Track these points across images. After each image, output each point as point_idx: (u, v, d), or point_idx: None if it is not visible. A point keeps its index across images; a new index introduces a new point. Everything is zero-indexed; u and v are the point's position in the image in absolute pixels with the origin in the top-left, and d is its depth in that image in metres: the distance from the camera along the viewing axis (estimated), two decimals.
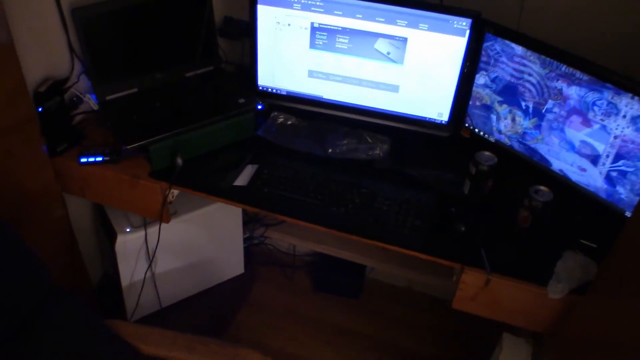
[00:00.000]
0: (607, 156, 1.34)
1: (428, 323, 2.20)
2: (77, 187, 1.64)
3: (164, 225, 1.76)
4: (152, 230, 1.74)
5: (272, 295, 2.26)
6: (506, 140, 1.55)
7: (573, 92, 1.34)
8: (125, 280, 1.81)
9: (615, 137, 1.31)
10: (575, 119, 1.37)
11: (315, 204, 1.45)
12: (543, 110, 1.42)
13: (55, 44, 1.59)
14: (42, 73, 1.56)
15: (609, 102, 1.29)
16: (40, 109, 1.53)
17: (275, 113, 1.73)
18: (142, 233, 1.73)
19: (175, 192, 1.59)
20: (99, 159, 1.57)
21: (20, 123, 1.42)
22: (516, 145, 1.53)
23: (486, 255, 1.35)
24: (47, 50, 1.56)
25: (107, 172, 1.57)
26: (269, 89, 1.72)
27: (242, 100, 1.65)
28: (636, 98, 1.24)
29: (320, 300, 2.26)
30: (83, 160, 1.57)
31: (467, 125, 1.62)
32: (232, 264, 2.10)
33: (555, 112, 1.40)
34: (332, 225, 1.43)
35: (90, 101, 1.67)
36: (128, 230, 1.74)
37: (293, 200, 1.47)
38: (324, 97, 1.68)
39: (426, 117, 1.63)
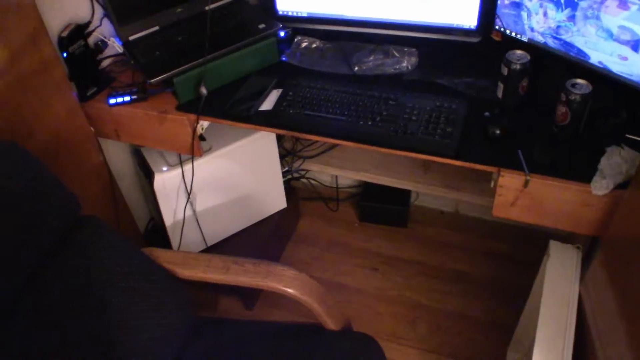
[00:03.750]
0: None
1: (477, 245, 2.16)
2: (111, 129, 1.67)
3: (201, 162, 1.77)
4: (189, 168, 1.75)
5: (317, 229, 2.27)
6: (539, 38, 1.46)
7: None
8: (168, 220, 1.84)
9: None
10: (611, 3, 1.27)
11: (342, 120, 1.42)
12: None
13: None
14: (64, 19, 1.57)
15: None
16: (65, 54, 1.55)
17: (299, 37, 1.69)
18: (179, 171, 1.74)
19: (205, 123, 1.59)
20: (127, 98, 1.59)
21: (45, 66, 1.44)
22: (550, 42, 1.44)
23: (524, 156, 1.29)
24: None
25: (137, 110, 1.58)
26: (289, 13, 1.68)
27: (262, 26, 1.62)
28: None
29: (367, 231, 2.25)
30: (112, 101, 1.59)
31: (497, 27, 1.54)
32: (274, 199, 2.09)
33: None
34: (360, 139, 1.39)
35: (115, 44, 1.68)
36: (165, 169, 1.76)
37: (319, 118, 1.43)
38: (345, 14, 1.63)
39: (453, 24, 1.55)
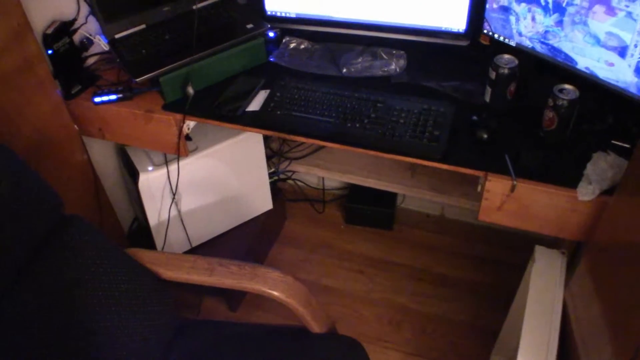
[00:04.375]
0: (636, 46, 1.24)
1: (462, 249, 2.17)
2: (95, 128, 1.65)
3: (187, 162, 1.76)
4: (175, 167, 1.73)
5: (303, 230, 2.26)
6: (527, 43, 1.46)
7: None
8: (152, 220, 1.82)
9: None
10: (599, 9, 1.27)
11: (330, 122, 1.41)
12: (564, 4, 1.33)
13: None
14: (49, 16, 1.55)
15: None
16: (50, 52, 1.53)
17: (288, 38, 1.68)
18: (164, 170, 1.73)
19: (191, 123, 1.58)
20: (113, 97, 1.57)
21: (29, 63, 1.43)
22: (538, 47, 1.44)
23: (511, 161, 1.29)
24: None
25: (122, 109, 1.57)
26: (278, 14, 1.67)
27: (250, 26, 1.60)
28: None
29: (353, 233, 2.25)
30: (97, 100, 1.57)
31: (485, 31, 1.54)
32: (260, 200, 2.08)
33: (576, 5, 1.31)
34: (347, 141, 1.39)
35: (100, 42, 1.66)
36: (150, 168, 1.74)
37: (307, 119, 1.42)
38: (334, 16, 1.62)
39: (442, 27, 1.55)
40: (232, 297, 2.00)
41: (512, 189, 1.27)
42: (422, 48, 1.60)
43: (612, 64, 1.31)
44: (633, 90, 1.29)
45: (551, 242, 1.53)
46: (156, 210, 1.81)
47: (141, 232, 2.03)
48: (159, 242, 1.88)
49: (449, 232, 2.23)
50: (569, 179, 1.25)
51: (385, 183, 2.00)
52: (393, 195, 2.23)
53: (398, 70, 1.56)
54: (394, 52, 1.59)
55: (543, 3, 1.37)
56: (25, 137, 1.45)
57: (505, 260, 2.10)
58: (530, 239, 1.64)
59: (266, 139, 2.07)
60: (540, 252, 1.47)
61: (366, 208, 2.22)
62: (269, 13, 1.68)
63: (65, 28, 1.57)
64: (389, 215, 2.22)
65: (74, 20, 1.62)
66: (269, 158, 2.12)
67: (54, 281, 1.12)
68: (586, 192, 1.22)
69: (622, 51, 1.28)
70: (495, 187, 1.30)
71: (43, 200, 1.17)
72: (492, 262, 2.11)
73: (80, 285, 1.17)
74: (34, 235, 1.13)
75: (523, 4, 1.41)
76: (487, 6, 1.49)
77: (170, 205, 1.81)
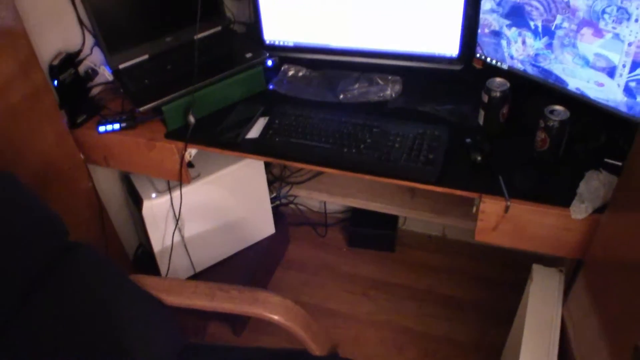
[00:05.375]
0: (624, 66, 1.27)
1: (464, 269, 2.18)
2: (100, 156, 1.68)
3: (190, 189, 1.79)
4: (178, 194, 1.76)
5: (306, 254, 2.28)
6: (519, 65, 1.49)
7: (581, 3, 1.28)
8: (156, 246, 1.85)
9: (630, 45, 1.24)
10: (587, 32, 1.31)
11: (327, 148, 1.44)
12: (553, 28, 1.36)
13: (65, 18, 1.62)
14: (55, 48, 1.60)
15: (619, 8, 1.22)
16: (55, 82, 1.57)
17: (286, 66, 1.72)
18: (167, 197, 1.76)
19: (193, 151, 1.61)
20: (117, 126, 1.61)
21: (36, 94, 1.47)
22: (530, 69, 1.47)
23: (504, 182, 1.32)
24: (57, 24, 1.60)
25: (126, 138, 1.60)
26: (276, 43, 1.71)
27: (249, 55, 1.65)
28: None
29: (355, 256, 2.27)
30: (101, 129, 1.61)
31: (478, 55, 1.58)
32: (262, 225, 2.11)
33: (565, 28, 1.34)
34: (344, 166, 1.41)
35: (105, 72, 1.71)
36: (154, 195, 1.77)
37: (304, 146, 1.46)
38: (331, 44, 1.66)
39: (436, 53, 1.59)
40: (236, 321, 2.02)
41: (506, 209, 1.29)
42: (417, 73, 1.63)
43: (602, 84, 1.34)
44: (623, 109, 1.32)
45: (552, 260, 1.54)
46: (160, 237, 1.84)
47: (146, 258, 2.05)
48: (163, 268, 1.90)
49: (451, 253, 2.24)
50: (563, 198, 1.26)
51: (386, 206, 2.03)
52: (394, 218, 2.25)
53: (394, 95, 1.60)
54: (390, 77, 1.63)
55: (533, 27, 1.40)
56: (31, 165, 1.49)
57: (507, 279, 2.11)
58: (532, 257, 1.66)
59: (267, 165, 2.10)
60: (537, 270, 1.49)
61: (368, 231, 2.24)
62: (267, 42, 1.72)
63: (70, 59, 1.62)
64: (390, 238, 2.24)
65: (80, 51, 1.67)
66: (270, 183, 2.15)
67: (58, 308, 1.14)
68: (579, 210, 1.24)
69: (610, 71, 1.31)
70: (490, 208, 1.32)
71: (48, 228, 1.20)
72: (495, 282, 2.12)
73: (85, 311, 1.19)
74: (39, 262, 1.16)
75: (513, 29, 1.45)
76: (479, 31, 1.53)
77: (174, 232, 1.84)
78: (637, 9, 1.19)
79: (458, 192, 1.35)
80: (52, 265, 1.18)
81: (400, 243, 2.29)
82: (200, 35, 1.76)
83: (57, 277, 1.18)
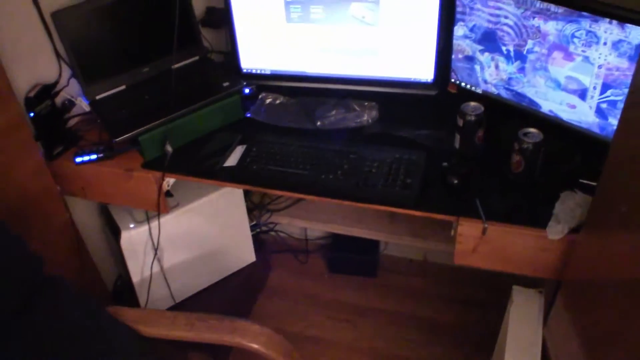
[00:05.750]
0: (595, 88, 1.30)
1: (447, 293, 2.18)
2: (77, 188, 1.67)
3: (169, 219, 1.78)
4: (156, 224, 1.75)
5: (288, 282, 2.27)
6: (493, 89, 1.52)
7: (551, 28, 1.31)
8: (135, 277, 1.83)
9: (600, 67, 1.27)
10: (557, 55, 1.34)
11: (305, 174, 1.44)
12: (524, 52, 1.39)
13: (41, 50, 1.62)
14: (32, 80, 1.60)
15: (588, 31, 1.25)
16: (32, 114, 1.56)
17: (264, 94, 1.73)
18: (146, 227, 1.75)
19: (171, 180, 1.61)
20: (94, 156, 1.60)
21: (11, 126, 1.45)
22: (503, 93, 1.50)
23: (481, 204, 1.33)
24: (34, 56, 1.60)
25: (103, 169, 1.59)
26: (253, 71, 1.73)
27: (226, 84, 1.66)
28: (614, 22, 1.20)
29: (337, 282, 2.26)
30: (78, 160, 1.60)
31: (453, 80, 1.60)
32: (243, 253, 2.10)
33: (536, 52, 1.37)
34: (322, 192, 1.42)
35: (82, 103, 1.71)
36: (132, 225, 1.76)
37: (282, 173, 1.46)
38: (308, 71, 1.68)
39: (410, 78, 1.61)
40: (219, 351, 1.97)
41: (484, 231, 1.30)
42: (394, 98, 1.65)
43: (574, 106, 1.37)
44: (596, 130, 1.35)
45: (534, 281, 1.54)
46: (139, 267, 1.82)
47: (125, 289, 2.03)
48: (142, 299, 1.88)
49: (433, 276, 2.24)
50: (539, 219, 1.28)
51: (366, 231, 2.03)
52: (375, 243, 2.25)
53: (370, 121, 1.61)
54: (366, 103, 1.64)
55: (505, 52, 1.43)
56: (7, 198, 1.47)
57: (490, 302, 2.11)
58: (513, 278, 1.66)
59: (247, 192, 2.10)
60: (517, 292, 1.49)
61: (349, 256, 2.24)
62: (244, 70, 1.74)
63: (47, 90, 1.61)
64: (372, 263, 2.24)
65: (56, 82, 1.66)
66: (250, 211, 2.15)
67: (34, 342, 1.12)
68: (555, 231, 1.25)
69: (582, 94, 1.33)
70: (468, 230, 1.32)
71: (23, 261, 1.18)
72: (478, 304, 2.12)
73: (62, 346, 1.17)
74: (14, 297, 1.14)
75: (486, 54, 1.47)
76: (453, 57, 1.56)
77: (152, 262, 1.82)
78: (605, 32, 1.22)
79: (435, 216, 1.36)
80: (28, 300, 1.16)
81: (382, 268, 2.28)
82: (177, 65, 1.77)
83: (32, 312, 1.16)
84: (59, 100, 1.68)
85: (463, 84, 1.59)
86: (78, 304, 1.24)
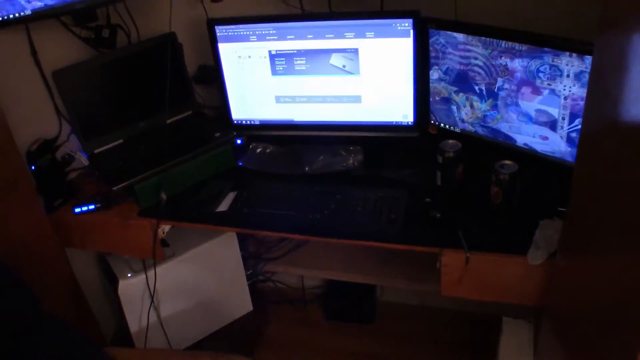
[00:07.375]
0: (563, 119, 1.37)
1: (445, 335, 2.18)
2: (76, 238, 1.72)
3: (165, 268, 1.82)
4: (154, 273, 1.79)
5: (285, 331, 2.27)
6: (470, 128, 1.59)
7: (517, 65, 1.40)
8: (133, 326, 1.85)
9: (566, 98, 1.34)
10: (526, 90, 1.41)
11: (292, 216, 1.50)
12: (495, 89, 1.47)
13: (42, 107, 1.71)
14: (33, 135, 1.68)
15: (551, 66, 1.33)
16: (33, 167, 1.64)
17: (254, 144, 1.81)
18: (143, 276, 1.78)
19: (166, 227, 1.66)
20: (92, 207, 1.65)
21: (13, 179, 1.51)
22: (480, 130, 1.57)
23: (463, 235, 1.37)
24: (35, 113, 1.69)
25: (101, 218, 1.65)
26: (243, 122, 1.81)
27: (218, 135, 1.74)
28: (574, 55, 1.28)
29: (335, 329, 2.26)
30: (77, 210, 1.65)
31: (432, 122, 1.67)
32: (239, 302, 2.12)
33: (506, 89, 1.45)
34: (309, 231, 1.48)
35: (81, 157, 1.78)
36: (129, 275, 1.80)
37: (271, 215, 1.52)
38: (295, 119, 1.76)
39: (393, 122, 1.69)
40: None
41: (467, 261, 1.34)
42: (378, 142, 1.72)
43: (546, 138, 1.43)
44: (569, 158, 1.40)
45: (531, 312, 1.55)
46: (136, 316, 1.85)
47: (124, 340, 2.04)
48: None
49: (430, 320, 2.24)
50: (520, 246, 1.31)
51: (363, 276, 2.05)
52: (372, 289, 2.27)
53: (356, 164, 1.68)
54: (352, 148, 1.71)
55: (478, 91, 1.51)
56: (7, 249, 1.51)
57: (488, 341, 2.09)
58: (510, 315, 1.67)
59: (243, 241, 2.14)
60: (507, 323, 1.52)
61: (346, 303, 2.25)
62: (235, 122, 1.82)
63: (48, 145, 1.69)
64: (369, 309, 2.25)
65: (57, 137, 1.74)
66: (245, 260, 2.18)
67: None
68: (536, 256, 1.29)
69: (552, 125, 1.40)
70: (452, 261, 1.36)
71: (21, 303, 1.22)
72: (475, 345, 2.10)
73: None
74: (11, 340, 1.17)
75: (461, 94, 1.56)
76: (431, 99, 1.64)
77: (149, 311, 1.84)
78: (567, 65, 1.30)
79: (419, 248, 1.40)
80: (22, 340, 1.19)
81: (379, 314, 2.29)
82: (171, 120, 1.86)
83: (26, 353, 1.19)
84: (59, 154, 1.75)
85: (442, 125, 1.66)
86: (74, 345, 1.27)
